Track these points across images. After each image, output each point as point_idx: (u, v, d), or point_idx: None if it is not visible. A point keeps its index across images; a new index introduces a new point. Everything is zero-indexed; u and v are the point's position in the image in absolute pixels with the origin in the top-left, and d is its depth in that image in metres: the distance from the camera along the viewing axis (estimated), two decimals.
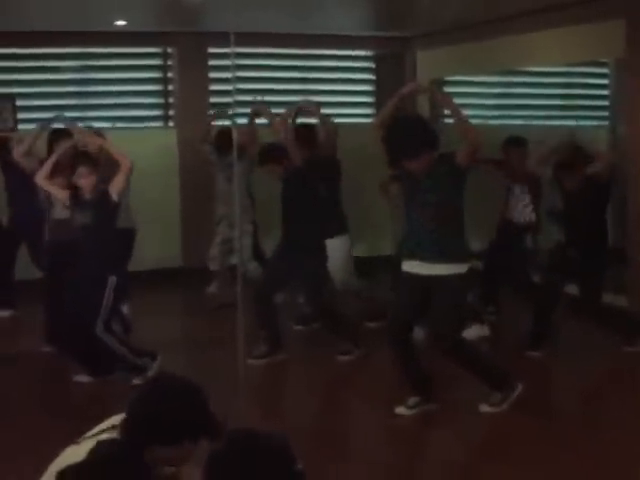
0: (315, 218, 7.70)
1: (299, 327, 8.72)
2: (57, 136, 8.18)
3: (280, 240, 7.82)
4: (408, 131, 6.07)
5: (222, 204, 9.50)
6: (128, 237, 8.30)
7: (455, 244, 6.15)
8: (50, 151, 7.92)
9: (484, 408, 6.36)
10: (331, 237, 8.12)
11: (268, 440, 2.68)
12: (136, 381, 6.89)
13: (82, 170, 6.99)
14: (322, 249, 7.73)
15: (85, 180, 7.01)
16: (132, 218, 8.40)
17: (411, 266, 6.21)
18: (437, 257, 6.09)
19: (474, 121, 10.52)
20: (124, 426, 3.00)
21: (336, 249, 8.19)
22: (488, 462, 5.61)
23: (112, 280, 6.99)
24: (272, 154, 7.71)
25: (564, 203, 7.87)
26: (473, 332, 7.99)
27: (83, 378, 7.17)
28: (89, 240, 7.05)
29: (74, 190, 7.13)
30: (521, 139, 8.70)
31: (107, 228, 7.11)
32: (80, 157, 7.19)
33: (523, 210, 8.60)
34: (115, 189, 7.03)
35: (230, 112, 8.48)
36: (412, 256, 6.20)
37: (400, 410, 6.37)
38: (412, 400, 6.39)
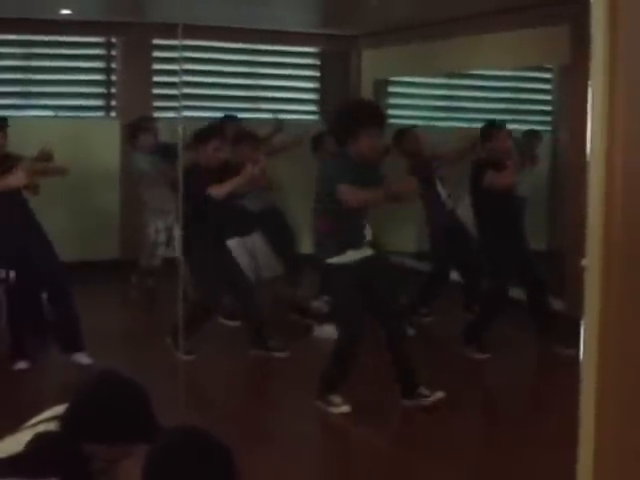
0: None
1: (229, 322, 8.67)
2: None
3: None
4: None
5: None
6: None
7: None
8: None
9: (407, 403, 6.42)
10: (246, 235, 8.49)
11: (206, 437, 2.66)
12: (81, 359, 6.95)
13: None
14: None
15: None
16: None
17: (347, 257, 6.25)
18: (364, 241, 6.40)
19: (418, 122, 10.62)
20: (64, 420, 2.97)
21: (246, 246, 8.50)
22: (419, 459, 5.62)
23: None
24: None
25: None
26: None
27: (23, 365, 7.05)
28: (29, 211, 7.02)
29: None
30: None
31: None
32: None
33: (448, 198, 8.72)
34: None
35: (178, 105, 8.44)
36: (348, 247, 6.26)
37: (344, 409, 6.32)
38: (337, 397, 6.36)
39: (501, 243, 7.60)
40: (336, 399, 6.35)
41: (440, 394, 6.37)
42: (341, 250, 6.26)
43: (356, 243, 6.32)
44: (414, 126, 9.30)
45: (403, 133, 9.01)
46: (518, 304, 7.87)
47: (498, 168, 7.49)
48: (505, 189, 7.56)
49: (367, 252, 6.38)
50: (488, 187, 7.47)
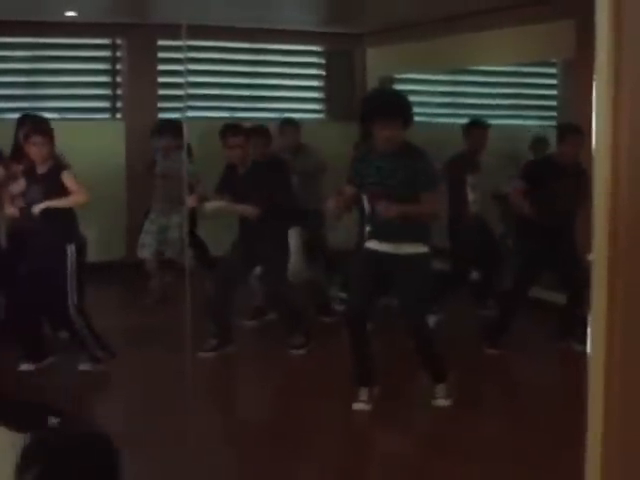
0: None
1: (251, 322, 8.68)
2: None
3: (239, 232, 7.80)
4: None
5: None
6: None
7: None
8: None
9: (440, 402, 6.41)
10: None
11: (84, 440, 2.63)
12: (83, 367, 6.98)
13: (37, 139, 6.84)
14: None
15: (39, 149, 6.84)
16: None
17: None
18: None
19: (422, 119, 10.61)
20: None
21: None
22: (438, 458, 5.60)
23: (71, 249, 6.95)
24: None
25: None
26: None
27: (29, 367, 7.06)
28: (43, 213, 6.92)
29: (28, 166, 6.99)
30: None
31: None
32: (36, 125, 7.06)
33: (477, 199, 8.55)
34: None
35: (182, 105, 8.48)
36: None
37: (359, 406, 6.32)
38: (364, 393, 6.34)
39: (534, 249, 7.61)
40: (361, 395, 6.35)
41: (447, 402, 6.41)
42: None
43: None
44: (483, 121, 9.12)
45: (471, 127, 8.85)
46: (542, 305, 7.88)
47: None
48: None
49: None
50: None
